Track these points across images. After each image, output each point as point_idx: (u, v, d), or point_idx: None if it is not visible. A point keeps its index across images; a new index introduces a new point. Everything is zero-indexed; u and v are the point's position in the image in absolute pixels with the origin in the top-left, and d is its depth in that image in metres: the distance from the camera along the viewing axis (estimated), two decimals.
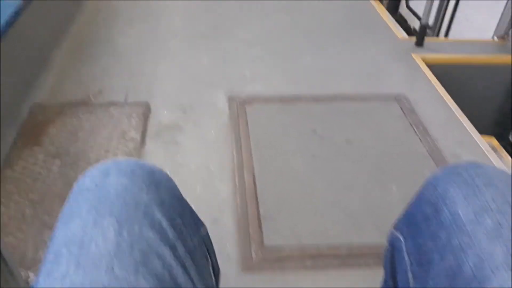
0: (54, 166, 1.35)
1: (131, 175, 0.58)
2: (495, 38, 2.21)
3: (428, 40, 2.11)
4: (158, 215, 0.56)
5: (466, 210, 0.56)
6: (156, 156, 1.39)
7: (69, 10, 2.22)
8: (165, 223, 0.57)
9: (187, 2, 2.52)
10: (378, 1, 2.71)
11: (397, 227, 0.71)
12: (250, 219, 1.18)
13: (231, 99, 1.67)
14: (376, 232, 1.16)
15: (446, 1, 2.69)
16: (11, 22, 1.64)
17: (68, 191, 0.60)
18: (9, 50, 1.56)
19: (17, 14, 1.70)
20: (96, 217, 0.52)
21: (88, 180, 0.58)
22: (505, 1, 2.19)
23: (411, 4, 3.24)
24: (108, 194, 0.55)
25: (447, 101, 1.69)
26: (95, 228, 0.51)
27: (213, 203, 1.24)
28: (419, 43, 2.07)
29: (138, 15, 2.30)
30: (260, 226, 1.16)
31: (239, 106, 1.63)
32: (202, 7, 2.42)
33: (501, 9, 2.22)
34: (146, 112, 1.59)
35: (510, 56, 2.05)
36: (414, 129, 1.54)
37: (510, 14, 2.13)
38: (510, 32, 2.15)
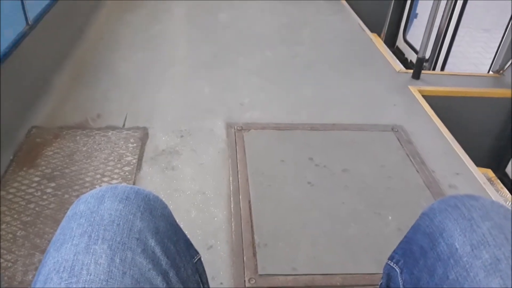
0: (49, 189, 1.34)
1: (126, 201, 0.58)
2: (491, 72, 2.25)
3: (424, 73, 2.14)
4: (152, 243, 0.56)
5: (463, 243, 0.56)
6: (152, 181, 1.38)
7: (72, 36, 2.25)
8: (158, 251, 0.56)
9: (189, 31, 2.57)
10: (376, 35, 2.77)
11: (393, 258, 0.70)
12: (245, 247, 1.17)
13: (229, 126, 1.68)
14: (372, 262, 1.14)
15: (442, 36, 2.75)
16: (14, 46, 1.66)
17: (61, 214, 0.60)
18: (10, 73, 1.57)
19: (20, 38, 1.72)
20: (89, 242, 0.52)
21: (82, 205, 0.58)
22: (500, 38, 2.24)
23: (408, 37, 3.31)
24: (102, 220, 0.55)
25: (443, 133, 1.70)
26: (87, 254, 0.50)
27: (208, 229, 1.22)
28: (416, 75, 2.10)
29: (139, 42, 2.34)
30: (254, 254, 1.15)
31: (237, 133, 1.64)
32: (203, 37, 2.46)
33: (496, 45, 2.27)
34: (143, 136, 1.59)
35: (506, 90, 2.08)
36: (411, 160, 1.55)
37: (505, 50, 2.18)
38: (505, 67, 2.19)
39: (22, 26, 1.78)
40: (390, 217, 1.29)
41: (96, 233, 0.53)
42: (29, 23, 1.83)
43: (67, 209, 0.61)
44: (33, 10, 1.88)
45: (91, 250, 0.51)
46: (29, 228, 1.19)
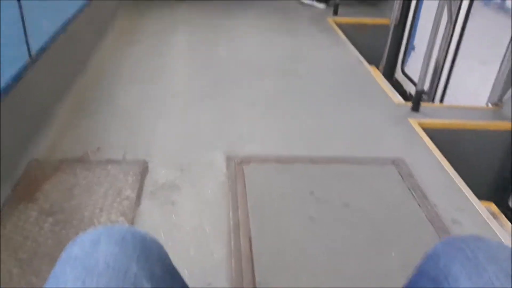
0: (47, 224, 1.32)
1: (122, 243, 0.57)
2: (489, 104, 2.27)
3: (424, 105, 2.15)
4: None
5: None
6: (151, 216, 1.37)
7: (74, 68, 2.27)
8: None
9: (189, 64, 2.60)
10: (374, 67, 2.80)
11: None
12: (245, 285, 1.14)
13: (229, 159, 1.67)
14: None
15: (440, 68, 2.78)
16: (16, 79, 1.68)
17: (59, 251, 0.58)
18: (12, 106, 1.58)
19: (22, 71, 1.74)
20: None
21: (77, 248, 0.56)
22: (497, 69, 2.26)
23: (407, 69, 3.35)
24: (97, 264, 0.53)
25: (444, 166, 1.70)
26: None
27: (207, 267, 1.20)
28: (415, 108, 2.11)
29: (140, 75, 2.36)
30: None
31: (237, 166, 1.63)
32: (203, 70, 2.49)
33: (493, 77, 2.29)
34: (143, 170, 1.58)
35: (505, 122, 2.08)
36: (412, 193, 1.53)
37: (502, 83, 2.20)
38: (503, 99, 2.20)
39: (25, 59, 1.80)
40: (393, 254, 1.27)
41: (90, 279, 0.51)
42: (32, 56, 1.85)
43: (65, 245, 0.60)
44: (36, 43, 1.91)
45: None
46: (25, 266, 1.17)
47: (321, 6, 3.88)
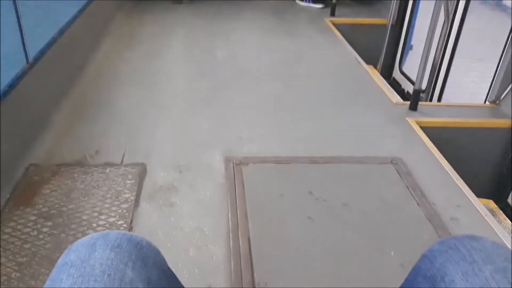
0: (45, 228, 1.32)
1: (118, 249, 0.57)
2: (487, 102, 2.27)
3: (422, 104, 2.15)
4: None
5: None
6: (150, 218, 1.36)
7: (71, 73, 2.28)
8: None
9: (187, 68, 2.60)
10: (372, 66, 2.81)
11: None
12: (245, 286, 1.14)
13: (227, 160, 1.67)
14: None
15: (437, 66, 2.78)
16: (13, 85, 1.68)
17: (57, 254, 0.59)
18: (9, 111, 1.58)
19: (20, 77, 1.74)
20: None
21: (73, 254, 0.56)
22: (494, 68, 2.26)
23: (404, 68, 3.35)
24: (93, 270, 0.53)
25: (443, 164, 1.70)
26: None
27: (206, 268, 1.20)
28: (413, 107, 2.11)
29: (138, 79, 2.36)
30: None
31: (236, 167, 1.63)
32: (201, 73, 2.49)
33: (490, 74, 2.29)
34: (142, 173, 1.58)
35: (503, 120, 2.08)
36: (411, 192, 1.53)
37: (500, 80, 2.20)
38: (501, 97, 2.20)
39: (22, 65, 1.80)
40: (392, 253, 1.27)
41: (86, 285, 0.51)
42: (29, 61, 1.85)
43: (63, 249, 0.60)
44: (34, 49, 1.92)
45: None
46: (24, 270, 1.17)
47: (318, 6, 3.89)
